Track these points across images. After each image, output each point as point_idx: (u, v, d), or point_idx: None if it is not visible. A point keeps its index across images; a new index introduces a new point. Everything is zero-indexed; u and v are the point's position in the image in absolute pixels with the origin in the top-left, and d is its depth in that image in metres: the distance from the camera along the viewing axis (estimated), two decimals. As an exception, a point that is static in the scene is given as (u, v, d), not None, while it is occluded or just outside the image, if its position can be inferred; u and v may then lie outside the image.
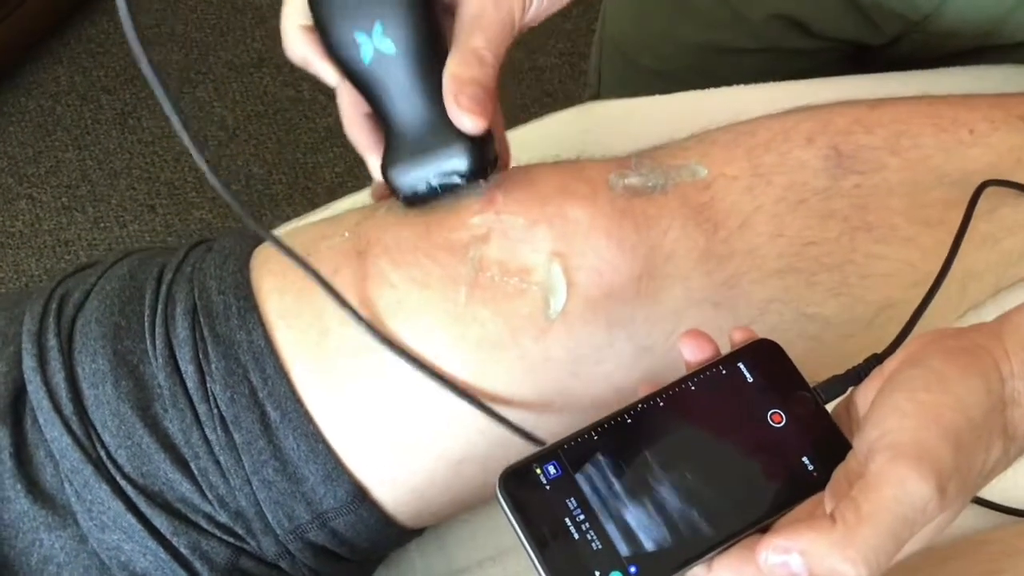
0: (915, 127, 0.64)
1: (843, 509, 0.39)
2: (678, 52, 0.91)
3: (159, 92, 0.51)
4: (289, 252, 0.53)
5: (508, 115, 0.61)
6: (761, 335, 0.50)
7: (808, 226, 0.60)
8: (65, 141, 1.81)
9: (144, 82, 1.88)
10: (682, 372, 0.49)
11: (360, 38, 0.52)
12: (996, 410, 0.42)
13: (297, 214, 1.74)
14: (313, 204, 1.77)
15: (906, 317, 0.63)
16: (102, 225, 1.73)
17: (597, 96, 1.00)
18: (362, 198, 0.69)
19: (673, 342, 0.57)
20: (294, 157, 1.76)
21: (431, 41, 0.53)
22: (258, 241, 0.59)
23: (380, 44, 0.52)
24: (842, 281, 0.60)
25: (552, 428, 0.55)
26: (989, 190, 0.65)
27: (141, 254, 0.59)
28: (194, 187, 1.77)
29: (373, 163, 0.57)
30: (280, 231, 0.82)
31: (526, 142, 0.65)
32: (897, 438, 0.41)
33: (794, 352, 0.59)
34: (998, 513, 0.63)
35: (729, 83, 0.81)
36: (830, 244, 0.60)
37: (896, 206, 0.62)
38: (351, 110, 0.57)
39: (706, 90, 0.79)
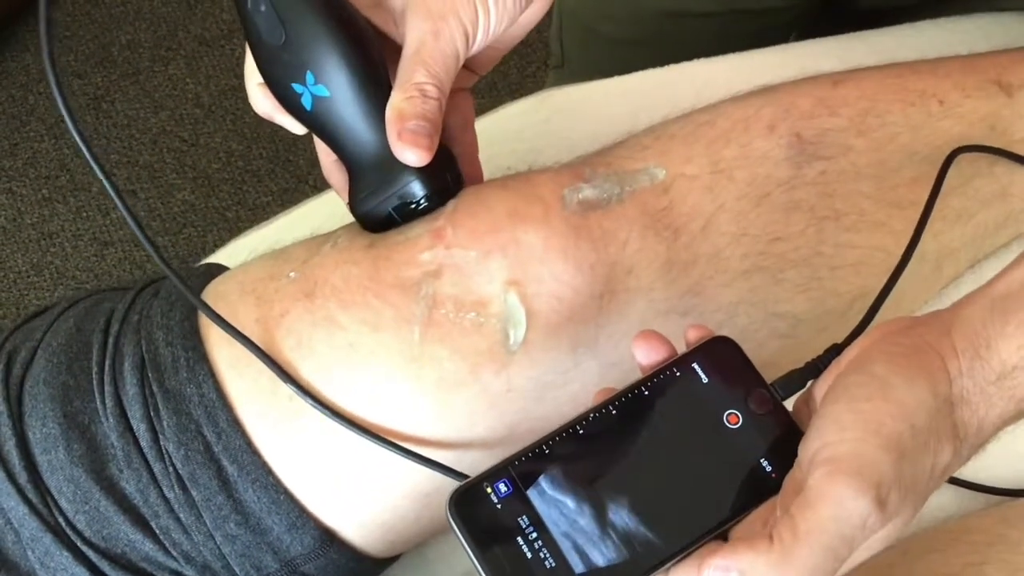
0: (882, 104, 0.62)
1: (780, 528, 0.39)
2: (638, 19, 0.88)
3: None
4: (218, 319, 0.52)
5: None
6: (699, 328, 0.49)
7: (773, 221, 0.58)
8: (40, 131, 1.78)
9: (115, 64, 1.86)
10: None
11: (298, 88, 0.53)
12: (942, 413, 0.41)
13: (281, 189, 1.74)
14: (296, 177, 1.76)
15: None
16: (84, 215, 1.71)
17: (561, 65, 0.97)
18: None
19: (640, 355, 0.56)
20: (273, 130, 1.71)
21: (368, 79, 0.53)
22: (206, 280, 0.57)
23: (316, 91, 0.53)
24: (811, 276, 0.59)
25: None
26: (962, 162, 0.63)
27: (88, 301, 0.58)
28: (174, 169, 1.75)
29: (345, 202, 0.57)
30: (256, 233, 0.80)
31: (485, 135, 0.63)
32: (835, 451, 0.40)
33: (766, 351, 0.57)
34: (982, 495, 0.62)
35: (695, 47, 0.79)
36: (796, 238, 0.58)
37: (864, 190, 0.60)
38: (324, 157, 0.58)
39: (665, 67, 0.76)
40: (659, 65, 0.77)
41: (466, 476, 0.51)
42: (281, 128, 0.57)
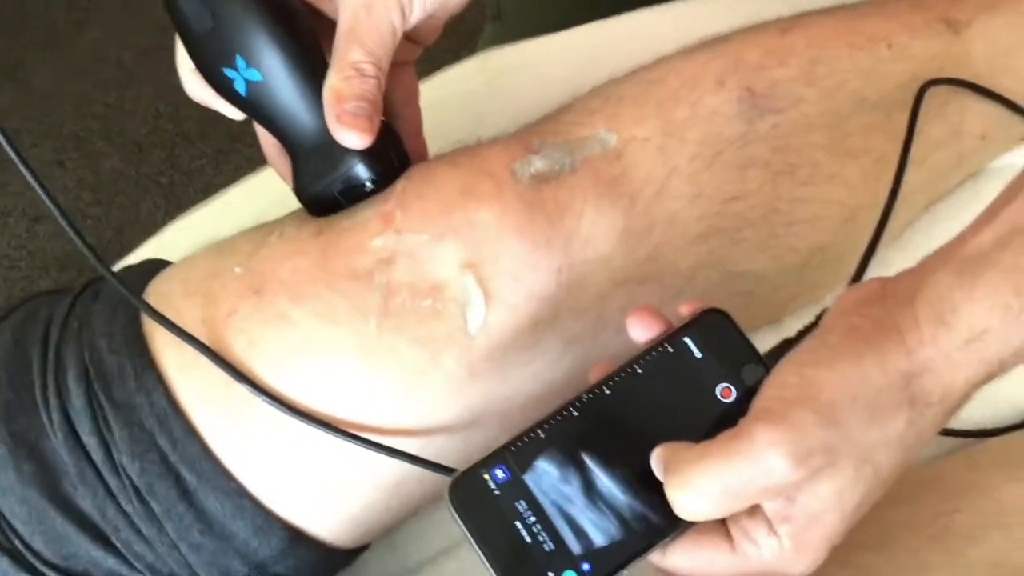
0: (830, 51, 0.61)
1: (700, 446, 0.41)
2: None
3: None
4: (168, 324, 0.50)
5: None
6: (691, 302, 0.49)
7: (728, 180, 0.57)
8: (-45, 104, 1.71)
9: (31, 31, 1.78)
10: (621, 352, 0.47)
11: (230, 74, 0.51)
12: (895, 387, 0.42)
13: (214, 150, 1.70)
14: (229, 137, 1.71)
15: (837, 258, 0.61)
16: (11, 190, 1.65)
17: (498, 17, 0.94)
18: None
19: (600, 327, 0.55)
20: (201, 89, 1.67)
21: (302, 60, 0.52)
22: (147, 279, 0.55)
23: (248, 75, 0.51)
24: (769, 233, 0.58)
25: (485, 437, 0.53)
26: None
27: (22, 310, 0.55)
28: (101, 136, 1.69)
29: (290, 187, 0.55)
30: (196, 213, 0.77)
31: (426, 102, 0.61)
32: (770, 405, 0.41)
33: (726, 309, 0.57)
34: (947, 439, 0.62)
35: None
36: (752, 196, 0.57)
37: (817, 141, 0.59)
38: (265, 142, 0.56)
39: (608, 19, 0.74)
40: (601, 16, 0.75)
41: (434, 464, 0.51)
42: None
